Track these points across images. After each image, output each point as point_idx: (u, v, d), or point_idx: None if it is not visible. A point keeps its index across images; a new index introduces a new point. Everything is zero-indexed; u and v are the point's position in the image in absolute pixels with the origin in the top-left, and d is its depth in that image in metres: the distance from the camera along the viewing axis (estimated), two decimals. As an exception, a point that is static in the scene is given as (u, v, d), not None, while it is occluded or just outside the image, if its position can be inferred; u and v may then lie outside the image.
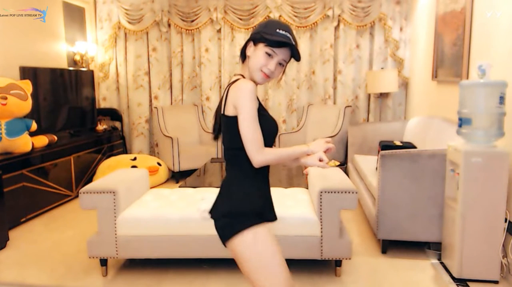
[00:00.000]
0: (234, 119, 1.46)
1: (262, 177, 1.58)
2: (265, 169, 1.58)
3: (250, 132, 1.42)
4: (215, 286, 2.64)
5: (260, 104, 1.52)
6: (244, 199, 1.51)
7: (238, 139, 1.47)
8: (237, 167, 1.54)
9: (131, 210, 2.75)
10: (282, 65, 1.52)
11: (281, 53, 1.48)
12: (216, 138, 1.66)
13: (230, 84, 1.52)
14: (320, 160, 1.50)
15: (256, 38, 1.50)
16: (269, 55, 1.47)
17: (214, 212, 1.58)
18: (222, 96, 1.55)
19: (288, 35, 1.47)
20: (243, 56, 1.56)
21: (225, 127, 1.53)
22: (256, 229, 1.47)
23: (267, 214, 1.59)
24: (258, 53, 1.49)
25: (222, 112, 1.52)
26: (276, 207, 1.67)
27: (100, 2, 5.67)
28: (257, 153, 1.43)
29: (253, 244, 1.45)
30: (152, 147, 5.98)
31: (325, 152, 1.53)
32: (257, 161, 1.44)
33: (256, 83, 1.51)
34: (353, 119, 5.60)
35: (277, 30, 1.47)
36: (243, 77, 1.54)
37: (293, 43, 1.49)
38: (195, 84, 5.86)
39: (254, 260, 1.46)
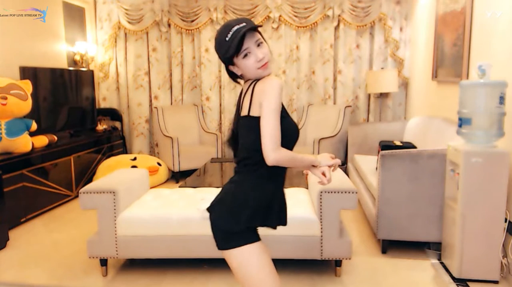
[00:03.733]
0: (259, 119, 1.42)
1: (280, 180, 1.57)
2: (283, 172, 1.57)
3: (270, 127, 1.39)
4: (215, 286, 2.64)
5: (283, 107, 1.49)
6: (251, 206, 1.48)
7: (260, 142, 1.43)
8: (254, 170, 1.50)
9: (131, 210, 2.75)
10: (260, 44, 1.47)
11: (249, 41, 1.44)
12: (232, 145, 1.64)
13: (252, 84, 1.49)
14: (323, 175, 1.52)
15: (227, 62, 1.50)
16: (246, 55, 1.45)
17: (215, 212, 1.55)
18: (243, 98, 1.52)
19: (235, 28, 1.42)
20: (235, 76, 1.56)
21: (248, 128, 1.49)
22: (251, 245, 1.48)
23: (274, 220, 1.56)
24: (241, 64, 1.47)
25: (246, 114, 1.48)
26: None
27: (100, 2, 5.67)
28: (273, 150, 1.39)
29: (247, 259, 1.48)
30: (152, 147, 5.98)
31: (329, 167, 1.54)
32: (272, 159, 1.39)
33: (265, 76, 1.50)
34: (353, 119, 5.60)
35: (226, 38, 1.43)
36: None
37: (244, 25, 1.42)
38: (195, 84, 5.86)
39: (247, 272, 1.48)
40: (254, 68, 1.46)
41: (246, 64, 1.46)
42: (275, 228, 1.58)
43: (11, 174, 3.59)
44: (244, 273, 1.48)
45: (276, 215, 1.56)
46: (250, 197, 1.49)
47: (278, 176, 1.55)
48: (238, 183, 1.53)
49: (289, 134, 1.49)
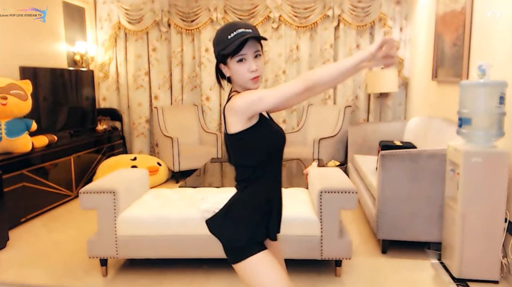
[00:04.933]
0: (239, 135, 1.42)
1: (275, 189, 1.55)
2: (278, 183, 1.55)
3: (251, 94, 1.37)
4: (215, 286, 2.64)
5: (263, 117, 1.47)
6: (249, 225, 1.48)
7: (247, 154, 1.45)
8: (246, 186, 1.50)
9: (131, 210, 2.75)
10: (258, 56, 1.44)
11: (249, 49, 1.40)
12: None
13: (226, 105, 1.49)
14: (385, 58, 1.35)
15: (220, 59, 1.46)
16: (241, 60, 1.41)
17: (216, 229, 1.54)
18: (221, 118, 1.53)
19: (240, 30, 1.39)
20: (222, 77, 1.52)
21: (229, 146, 1.49)
22: (259, 255, 1.46)
23: (272, 234, 1.56)
24: (233, 68, 1.43)
25: (225, 131, 1.48)
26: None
27: (100, 2, 5.67)
28: (296, 80, 1.34)
29: (256, 269, 1.45)
30: (152, 147, 5.98)
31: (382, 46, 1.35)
32: (301, 80, 1.33)
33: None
34: (353, 119, 5.60)
35: (229, 37, 1.39)
36: (236, 93, 1.48)
37: (250, 32, 1.40)
38: (195, 84, 5.86)
39: (257, 282, 1.46)
40: (244, 77, 1.43)
41: (238, 70, 1.42)
42: (275, 239, 1.58)
43: (11, 174, 3.59)
44: (255, 283, 1.46)
45: (275, 226, 1.56)
46: (245, 215, 1.48)
47: (271, 189, 1.53)
48: (233, 201, 1.53)
49: (274, 143, 1.47)
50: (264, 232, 1.52)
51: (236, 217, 1.49)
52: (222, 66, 1.48)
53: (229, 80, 1.52)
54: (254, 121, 1.43)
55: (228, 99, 1.49)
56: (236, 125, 1.42)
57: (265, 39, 1.45)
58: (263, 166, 1.47)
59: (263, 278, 1.45)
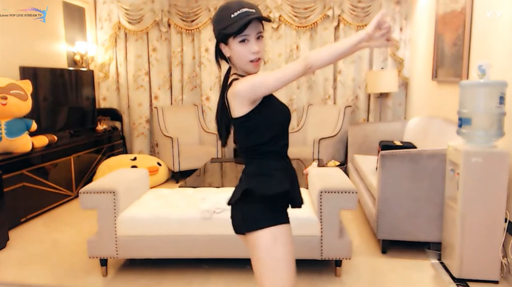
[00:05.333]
0: (245, 117, 1.42)
1: (286, 165, 1.53)
2: (288, 160, 1.55)
3: (255, 79, 1.37)
4: (215, 286, 2.64)
5: (266, 97, 1.44)
6: (271, 182, 1.44)
7: (253, 137, 1.44)
8: (258, 161, 1.48)
9: (131, 210, 2.75)
10: (260, 37, 1.42)
11: (252, 30, 1.38)
12: (225, 143, 1.61)
13: (226, 88, 1.47)
14: (384, 37, 1.35)
15: (220, 38, 1.42)
16: (243, 41, 1.38)
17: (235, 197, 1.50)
18: (220, 100, 1.51)
19: (245, 9, 1.36)
20: (221, 58, 1.49)
21: (238, 129, 1.48)
22: (279, 228, 1.43)
23: (295, 199, 1.54)
24: (234, 48, 1.40)
25: (231, 116, 1.47)
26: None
27: (100, 2, 5.67)
28: (301, 61, 1.34)
29: (272, 244, 1.41)
30: (152, 147, 5.98)
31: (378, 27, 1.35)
32: (305, 62, 1.34)
33: (252, 74, 1.45)
34: (353, 119, 5.60)
35: (232, 15, 1.36)
36: (236, 75, 1.46)
37: (254, 12, 1.37)
38: (195, 84, 5.86)
39: (267, 258, 1.42)
40: (245, 58, 1.40)
41: (240, 51, 1.40)
42: (300, 205, 1.56)
43: (11, 174, 3.59)
44: (270, 258, 1.41)
45: (297, 192, 1.55)
46: (265, 180, 1.45)
47: (280, 162, 1.51)
48: (251, 171, 1.50)
49: (279, 118, 1.47)
50: (287, 187, 1.46)
51: (255, 179, 1.45)
52: (222, 46, 1.45)
53: (227, 60, 1.49)
54: (258, 102, 1.42)
55: (227, 83, 1.47)
56: (240, 109, 1.41)
57: (269, 20, 1.42)
58: (270, 144, 1.46)
59: (277, 256, 1.40)
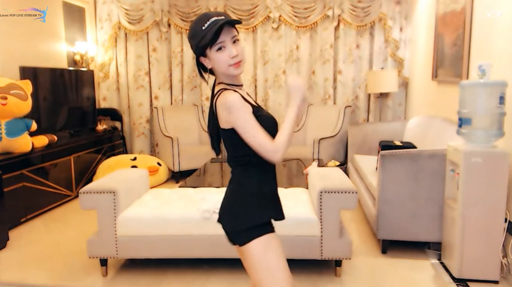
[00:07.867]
0: (232, 130, 1.44)
1: (271, 177, 1.58)
2: (273, 170, 1.59)
3: (256, 141, 1.40)
4: (215, 286, 2.64)
5: (253, 106, 1.49)
6: (255, 203, 1.51)
7: (240, 147, 1.46)
8: (244, 172, 1.53)
9: (131, 210, 2.75)
10: (236, 41, 1.45)
11: (226, 35, 1.41)
12: (218, 152, 1.66)
13: (213, 98, 1.49)
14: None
15: (199, 52, 1.46)
16: (220, 49, 1.42)
17: (224, 215, 1.58)
18: (211, 111, 1.52)
19: (213, 19, 1.40)
20: (204, 71, 1.52)
21: (225, 139, 1.52)
22: (267, 237, 1.48)
23: (278, 214, 1.59)
24: (213, 58, 1.44)
25: (219, 127, 1.50)
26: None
27: (100, 2, 5.67)
28: (272, 153, 1.40)
29: (263, 253, 1.46)
30: (152, 147, 5.98)
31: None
32: (277, 158, 1.41)
33: (235, 76, 1.48)
34: (353, 119, 5.60)
35: (203, 28, 1.40)
36: (223, 84, 1.49)
37: (223, 18, 1.40)
38: (195, 84, 5.86)
39: (261, 266, 1.47)
40: (226, 64, 1.43)
41: (219, 58, 1.43)
42: (282, 218, 1.60)
43: (11, 174, 3.59)
44: (262, 266, 1.46)
45: (278, 210, 1.60)
46: (249, 201, 1.52)
47: (267, 174, 1.56)
48: (235, 186, 1.56)
49: (266, 129, 1.48)
50: (269, 213, 1.54)
51: (237, 203, 1.53)
52: (202, 59, 1.49)
53: (211, 72, 1.52)
54: (249, 113, 1.44)
55: (214, 93, 1.50)
56: (227, 123, 1.44)
57: (239, 22, 1.44)
58: (257, 155, 1.46)
59: (272, 260, 1.47)
